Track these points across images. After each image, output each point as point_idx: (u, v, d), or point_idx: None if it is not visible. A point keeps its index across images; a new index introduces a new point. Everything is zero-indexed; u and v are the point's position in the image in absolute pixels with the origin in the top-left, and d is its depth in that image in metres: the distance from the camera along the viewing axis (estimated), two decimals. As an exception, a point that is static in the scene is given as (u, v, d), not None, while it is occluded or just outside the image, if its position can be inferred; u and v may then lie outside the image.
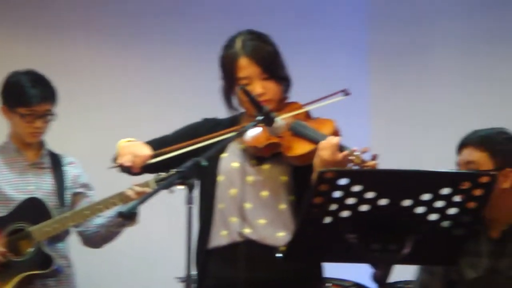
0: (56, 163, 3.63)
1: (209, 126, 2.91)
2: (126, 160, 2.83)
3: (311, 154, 2.68)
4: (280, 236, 2.74)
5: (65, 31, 5.07)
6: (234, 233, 2.79)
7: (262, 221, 2.78)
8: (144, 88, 5.23)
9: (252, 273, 2.73)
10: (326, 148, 2.62)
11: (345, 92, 2.87)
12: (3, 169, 3.55)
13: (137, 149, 2.86)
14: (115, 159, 2.90)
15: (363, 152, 2.60)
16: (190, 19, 5.42)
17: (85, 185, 3.65)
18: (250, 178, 2.81)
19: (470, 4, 5.28)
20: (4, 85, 3.58)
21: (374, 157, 2.59)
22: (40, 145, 3.59)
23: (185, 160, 2.47)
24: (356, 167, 2.62)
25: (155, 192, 2.53)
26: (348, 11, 5.83)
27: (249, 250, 2.75)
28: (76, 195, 3.60)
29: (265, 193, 2.81)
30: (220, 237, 2.81)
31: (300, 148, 2.75)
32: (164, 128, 3.18)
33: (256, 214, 2.78)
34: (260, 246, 2.75)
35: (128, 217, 3.15)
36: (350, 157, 2.60)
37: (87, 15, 5.17)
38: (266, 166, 2.83)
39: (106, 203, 3.34)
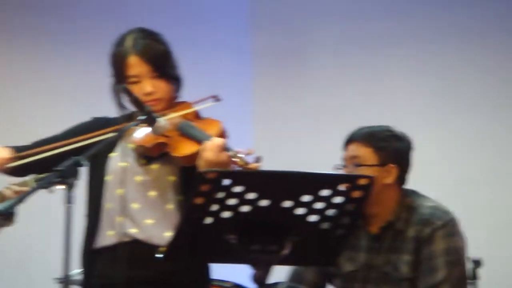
0: None
1: (99, 124, 2.89)
2: None
3: (197, 154, 2.70)
4: (168, 236, 2.73)
5: None
6: (121, 233, 2.78)
7: (149, 221, 2.79)
8: (27, 86, 5.21)
9: (134, 272, 2.74)
10: (210, 149, 2.64)
11: (216, 99, 2.90)
12: None
13: None
14: None
15: (248, 154, 2.63)
16: (71, 18, 5.46)
17: None
18: (138, 178, 2.82)
19: (346, 8, 5.50)
20: None
21: (257, 159, 2.63)
22: None
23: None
24: (239, 169, 2.65)
25: (33, 191, 2.49)
26: (230, 12, 5.94)
27: (133, 250, 2.75)
28: None
29: (153, 193, 2.81)
30: (107, 237, 2.80)
31: (187, 148, 2.76)
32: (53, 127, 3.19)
33: (144, 214, 2.79)
34: (147, 245, 2.76)
35: (5, 217, 3.09)
36: (234, 159, 2.63)
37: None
38: (154, 166, 2.83)
39: None
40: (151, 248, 2.72)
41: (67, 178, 2.43)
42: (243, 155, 2.63)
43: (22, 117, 5.09)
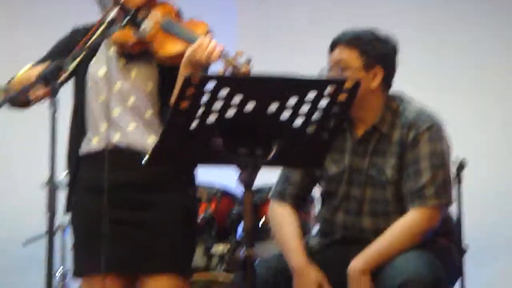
0: None
1: (81, 35, 2.88)
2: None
3: (182, 54, 2.71)
4: (150, 141, 2.79)
5: None
6: (104, 140, 2.83)
7: (130, 127, 2.82)
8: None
9: (118, 176, 2.79)
10: (200, 49, 2.65)
11: None
12: None
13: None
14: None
15: (237, 55, 2.64)
16: None
17: None
18: (117, 86, 2.83)
19: None
20: None
21: (248, 61, 2.64)
22: None
23: None
24: (228, 70, 2.67)
25: (18, 94, 2.53)
26: None
27: (117, 155, 2.81)
28: None
29: (132, 100, 2.84)
30: (91, 143, 2.85)
31: (172, 47, 2.76)
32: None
33: (125, 120, 2.82)
34: (128, 151, 2.82)
35: None
36: (224, 60, 2.65)
37: None
38: (133, 73, 2.84)
39: None
40: (134, 153, 2.78)
41: (50, 81, 2.43)
42: (234, 58, 2.65)
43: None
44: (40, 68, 2.67)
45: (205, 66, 2.69)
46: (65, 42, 2.94)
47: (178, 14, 2.84)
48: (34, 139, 4.06)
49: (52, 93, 2.41)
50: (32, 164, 4.63)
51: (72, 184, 2.91)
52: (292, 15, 5.87)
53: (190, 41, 2.71)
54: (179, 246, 2.91)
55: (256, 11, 5.48)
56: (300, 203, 3.33)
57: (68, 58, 2.53)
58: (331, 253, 3.17)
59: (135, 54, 2.81)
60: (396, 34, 3.31)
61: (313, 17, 5.88)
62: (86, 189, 2.86)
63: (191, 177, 2.95)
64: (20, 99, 2.85)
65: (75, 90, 2.86)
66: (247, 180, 2.45)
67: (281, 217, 3.25)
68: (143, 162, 2.52)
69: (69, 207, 2.91)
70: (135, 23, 2.70)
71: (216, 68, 2.74)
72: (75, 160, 2.87)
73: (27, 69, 2.88)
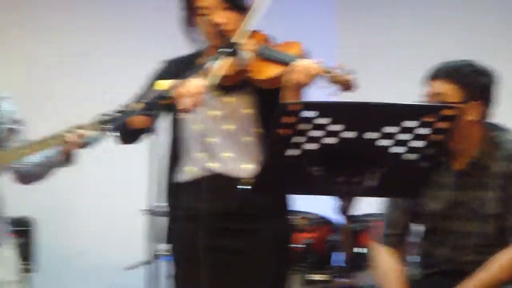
0: None
1: (176, 66, 3.00)
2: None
3: (281, 76, 2.78)
4: (247, 168, 2.85)
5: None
6: (201, 168, 2.91)
7: (228, 154, 2.89)
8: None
9: (216, 204, 2.86)
10: (299, 70, 2.72)
11: None
12: None
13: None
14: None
15: (339, 67, 2.69)
16: None
17: (18, 121, 3.70)
18: (213, 113, 2.90)
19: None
20: None
21: (350, 72, 2.71)
22: None
23: None
24: (332, 84, 2.72)
25: (121, 118, 2.72)
26: None
27: (214, 183, 2.88)
28: (10, 130, 3.65)
29: (230, 127, 2.90)
30: (187, 172, 2.93)
31: (270, 71, 2.82)
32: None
33: (222, 148, 2.89)
34: (226, 178, 2.88)
35: (68, 157, 3.23)
36: (326, 75, 2.70)
37: None
38: (230, 99, 2.90)
39: (44, 142, 3.39)
40: (232, 180, 2.85)
41: (151, 110, 2.57)
42: (335, 70, 2.69)
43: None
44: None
45: (307, 85, 2.74)
46: (161, 74, 3.06)
47: (270, 40, 2.93)
48: (133, 166, 4.19)
49: (153, 121, 2.54)
50: (131, 190, 4.72)
51: (171, 214, 3.00)
52: (394, 36, 5.80)
53: (286, 62, 2.77)
54: (275, 273, 2.99)
55: (357, 31, 5.60)
56: (403, 242, 3.44)
57: (167, 89, 2.65)
58: (432, 284, 3.26)
59: (236, 83, 2.88)
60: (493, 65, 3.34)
61: (415, 41, 5.85)
62: (184, 218, 2.94)
63: (288, 205, 3.00)
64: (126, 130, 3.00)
65: (172, 119, 2.95)
66: (345, 209, 2.51)
67: (386, 259, 3.40)
68: (241, 188, 2.62)
69: (170, 239, 3.01)
70: (234, 54, 2.79)
71: (319, 84, 2.80)
72: (173, 189, 2.95)
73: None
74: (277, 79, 2.80)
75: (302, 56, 2.81)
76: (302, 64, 2.74)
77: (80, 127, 3.06)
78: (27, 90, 5.13)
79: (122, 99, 3.00)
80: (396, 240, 3.34)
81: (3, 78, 4.99)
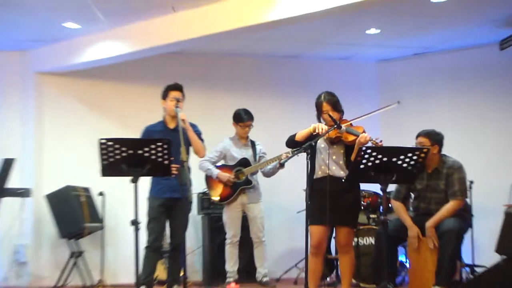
0: (253, 144, 6.75)
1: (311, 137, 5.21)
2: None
3: (355, 140, 5.15)
4: (342, 174, 5.34)
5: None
6: (324, 173, 5.28)
7: (334, 168, 5.33)
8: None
9: (331, 187, 5.14)
10: (363, 139, 5.13)
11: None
12: (233, 147, 6.84)
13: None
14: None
15: (377, 139, 5.10)
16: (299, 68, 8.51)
17: (264, 153, 6.80)
18: (330, 151, 5.31)
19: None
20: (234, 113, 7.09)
21: (381, 141, 4.99)
22: (247, 138, 7.12)
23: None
24: (372, 146, 4.87)
25: (293, 155, 5.51)
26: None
27: (330, 179, 5.23)
28: (260, 157, 6.89)
29: (335, 157, 5.35)
30: (317, 174, 5.38)
31: (351, 138, 5.30)
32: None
33: (332, 164, 5.26)
34: (334, 177, 5.32)
35: (282, 166, 6.07)
36: (371, 141, 5.10)
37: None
38: (336, 147, 5.30)
39: (272, 160, 6.45)
40: (336, 178, 5.30)
41: (307, 150, 5.15)
42: (375, 139, 5.14)
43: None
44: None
45: (364, 144, 4.93)
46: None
47: (351, 124, 5.46)
48: (294, 176, 6.91)
49: (308, 155, 5.10)
50: (292, 191, 7.64)
51: (311, 194, 5.23)
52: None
53: (358, 135, 5.14)
54: (355, 210, 5.44)
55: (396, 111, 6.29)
56: (406, 200, 5.81)
57: (310, 143, 5.13)
58: (419, 219, 5.70)
59: (336, 141, 5.31)
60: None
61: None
62: (316, 191, 5.32)
63: (359, 186, 5.56)
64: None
65: (310, 154, 5.31)
66: (384, 187, 4.83)
67: (399, 207, 5.66)
68: (343, 180, 5.13)
69: (310, 201, 5.13)
70: (338, 128, 5.38)
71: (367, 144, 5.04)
72: (312, 181, 5.44)
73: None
74: (353, 141, 5.11)
75: (363, 132, 5.12)
76: (363, 136, 4.98)
77: (286, 152, 5.99)
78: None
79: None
80: (402, 198, 5.68)
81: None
